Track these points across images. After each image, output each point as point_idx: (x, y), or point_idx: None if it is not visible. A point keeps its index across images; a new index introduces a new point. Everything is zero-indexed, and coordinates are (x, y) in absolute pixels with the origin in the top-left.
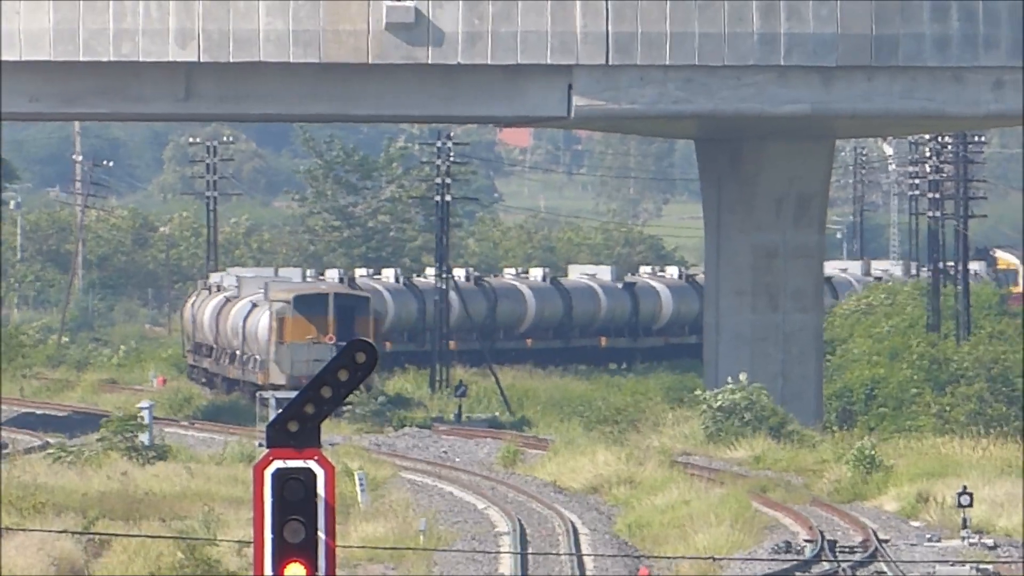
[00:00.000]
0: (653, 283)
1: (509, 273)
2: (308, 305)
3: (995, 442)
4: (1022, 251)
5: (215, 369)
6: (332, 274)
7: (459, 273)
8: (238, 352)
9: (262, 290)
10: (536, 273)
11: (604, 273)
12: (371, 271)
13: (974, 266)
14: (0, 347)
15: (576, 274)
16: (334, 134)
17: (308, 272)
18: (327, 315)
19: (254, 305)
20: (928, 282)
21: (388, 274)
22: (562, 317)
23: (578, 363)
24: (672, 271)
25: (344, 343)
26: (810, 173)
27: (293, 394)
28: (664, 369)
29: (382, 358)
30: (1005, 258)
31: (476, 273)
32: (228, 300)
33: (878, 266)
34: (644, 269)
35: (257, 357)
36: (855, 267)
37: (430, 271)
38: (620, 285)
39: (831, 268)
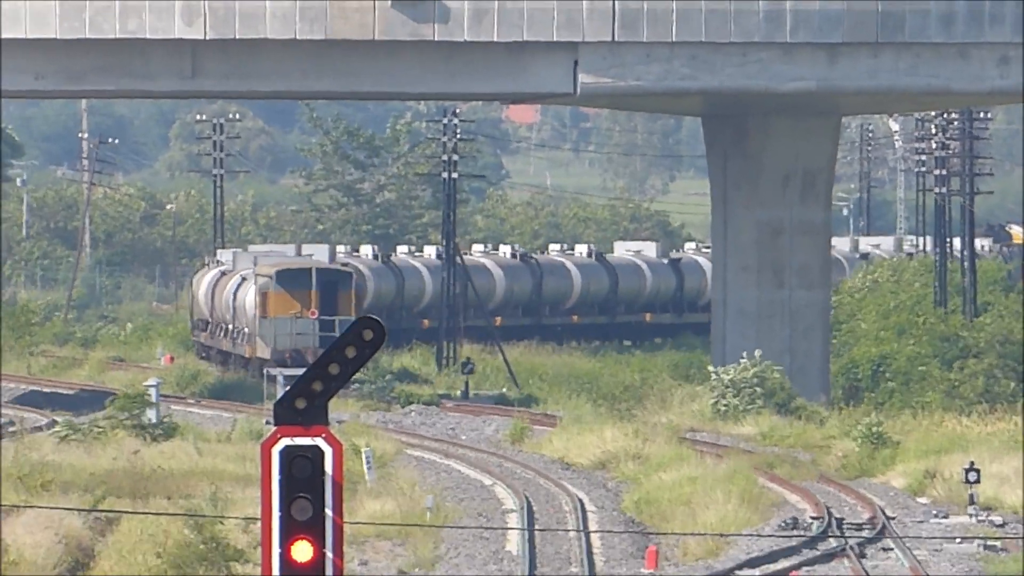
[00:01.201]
0: (698, 259)
1: (554, 249)
2: (291, 280)
3: (1003, 418)
4: None
5: (209, 342)
6: (366, 250)
7: (505, 250)
8: (229, 326)
9: (252, 265)
10: (581, 249)
11: (649, 249)
12: (413, 248)
13: (980, 242)
14: (0, 324)
15: (621, 251)
16: (340, 112)
17: (340, 248)
18: (310, 290)
19: (243, 279)
20: (934, 258)
21: (430, 251)
22: (607, 293)
23: (623, 339)
24: None
25: (327, 318)
26: (816, 149)
27: (299, 371)
28: (671, 346)
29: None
30: (1020, 233)
31: (521, 249)
32: (223, 275)
33: (868, 242)
34: (689, 245)
35: (245, 331)
36: (843, 243)
37: (477, 247)
38: (665, 261)
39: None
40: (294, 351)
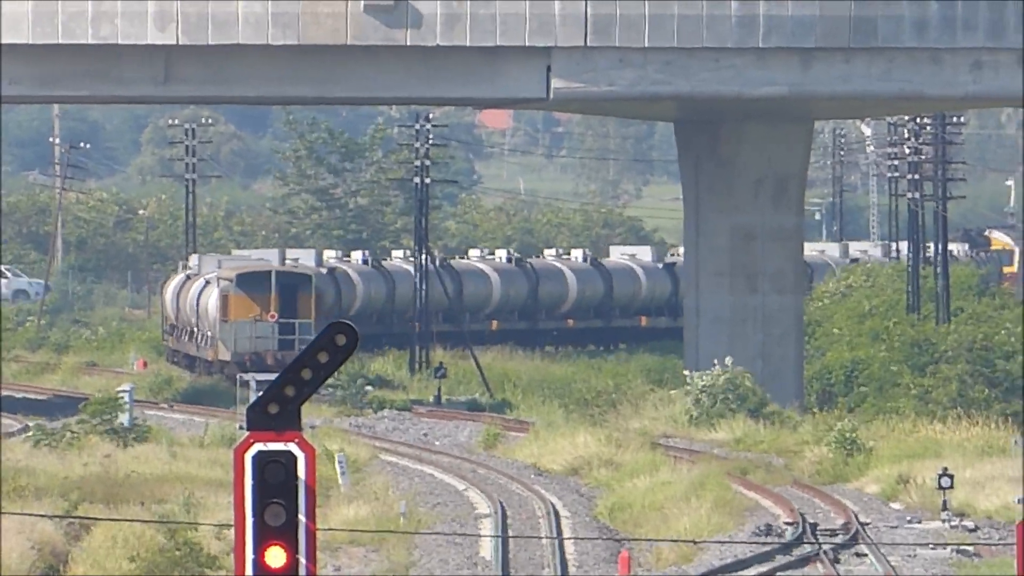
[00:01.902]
0: None
1: (550, 254)
2: (251, 283)
3: (976, 424)
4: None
5: (176, 346)
6: (356, 255)
7: (500, 254)
8: (194, 330)
9: (216, 269)
10: (577, 254)
11: (644, 254)
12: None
13: (955, 247)
14: None
15: (616, 255)
16: (316, 117)
17: (330, 253)
18: (270, 293)
19: (207, 283)
20: (908, 263)
21: (501, 254)
22: (603, 298)
23: (618, 342)
24: None
25: (287, 321)
26: (789, 155)
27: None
28: (645, 351)
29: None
30: (1000, 238)
31: (516, 254)
32: (188, 279)
33: (857, 247)
34: (682, 250)
35: (208, 334)
36: (833, 249)
37: (474, 252)
38: (660, 265)
39: (809, 250)
40: (254, 354)
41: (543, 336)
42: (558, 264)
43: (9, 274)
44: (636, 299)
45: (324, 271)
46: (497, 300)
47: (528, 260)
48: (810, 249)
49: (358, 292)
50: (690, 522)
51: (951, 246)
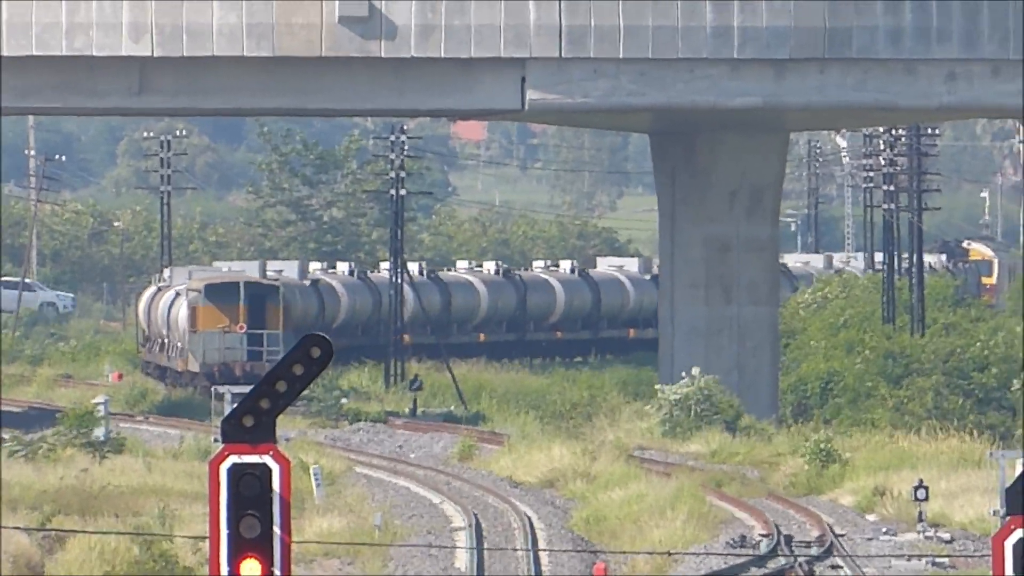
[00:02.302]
0: None
1: (538, 266)
2: (219, 294)
3: (951, 435)
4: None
5: (148, 358)
6: (343, 266)
7: (489, 266)
8: (165, 341)
9: (187, 281)
10: (565, 265)
11: (632, 265)
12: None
13: (931, 259)
14: None
15: (604, 266)
16: (291, 128)
17: (315, 265)
18: (238, 304)
19: (177, 295)
20: (883, 274)
21: (489, 266)
22: (591, 309)
23: (607, 353)
24: None
25: (255, 331)
26: (764, 166)
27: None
28: (620, 363)
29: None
30: (979, 249)
31: (504, 266)
32: (159, 291)
33: (840, 258)
34: None
35: (178, 345)
36: (817, 260)
37: (461, 264)
38: (648, 277)
39: (793, 261)
40: (223, 365)
41: (531, 348)
42: (546, 276)
43: (36, 287)
44: (624, 310)
45: (307, 283)
46: (485, 312)
47: (516, 271)
48: (795, 260)
49: (343, 304)
50: (665, 534)
51: (929, 257)
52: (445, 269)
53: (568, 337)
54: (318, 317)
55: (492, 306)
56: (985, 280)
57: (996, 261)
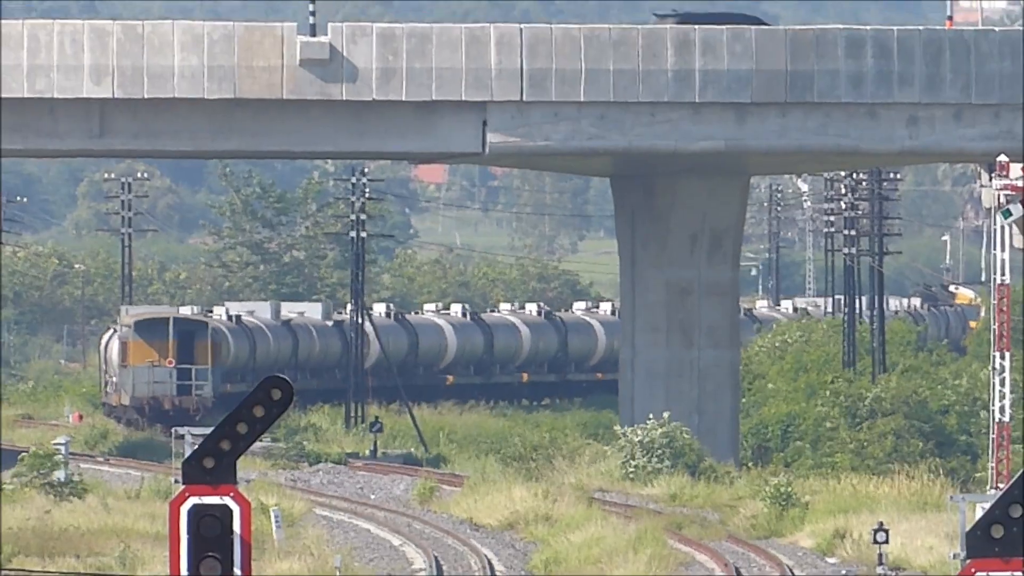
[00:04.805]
0: None
1: (505, 308)
2: (149, 330)
3: (911, 477)
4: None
5: (105, 398)
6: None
7: (456, 309)
8: (106, 376)
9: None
10: (531, 308)
11: (606, 308)
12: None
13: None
14: None
15: (580, 310)
16: (252, 170)
17: (287, 305)
18: (167, 339)
19: (114, 332)
20: (844, 318)
21: (456, 309)
22: (557, 352)
23: (574, 396)
24: None
25: (184, 366)
26: (724, 209)
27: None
28: (580, 406)
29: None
30: (965, 293)
31: (470, 309)
32: (111, 329)
33: (805, 301)
34: None
35: (113, 379)
36: (785, 304)
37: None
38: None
39: (760, 306)
40: (152, 399)
41: (498, 390)
42: (512, 318)
43: None
44: (592, 353)
45: (279, 323)
46: (453, 354)
47: (481, 315)
48: (761, 305)
49: (315, 345)
50: None
51: (906, 301)
52: (412, 312)
53: (535, 379)
54: (250, 357)
55: (460, 349)
56: (973, 324)
57: (984, 307)
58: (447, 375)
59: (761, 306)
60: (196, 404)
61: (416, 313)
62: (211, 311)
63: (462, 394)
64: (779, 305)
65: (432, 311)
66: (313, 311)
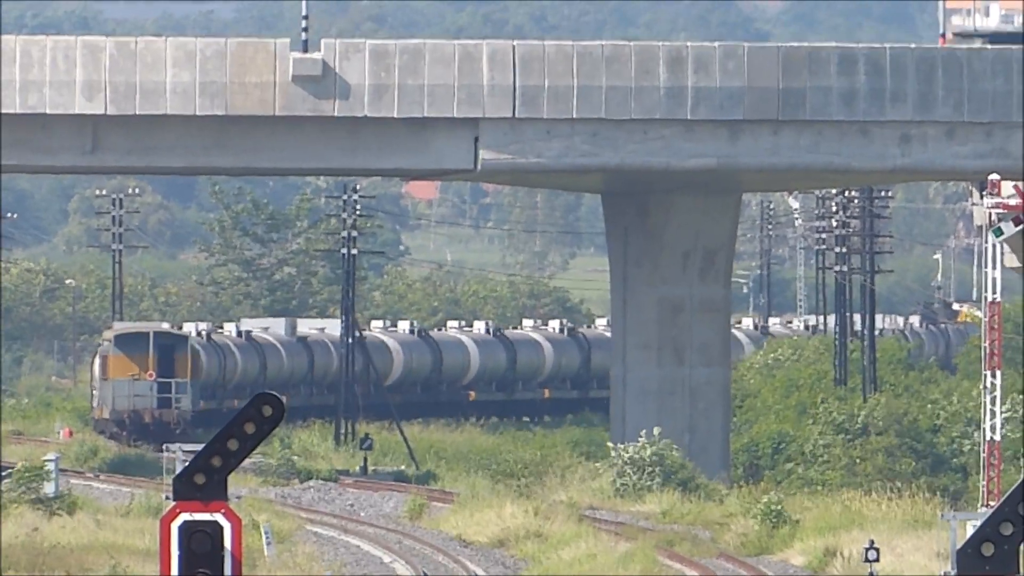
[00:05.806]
0: None
1: (528, 324)
2: (129, 344)
3: (903, 495)
4: None
5: (94, 413)
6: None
7: (403, 326)
8: (92, 391)
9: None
10: (554, 324)
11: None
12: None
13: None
14: None
15: (603, 325)
16: (243, 187)
17: (303, 321)
18: (147, 353)
19: (98, 346)
20: (835, 337)
21: (479, 326)
22: (579, 368)
23: (595, 412)
24: None
25: (164, 380)
26: (716, 227)
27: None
28: (571, 423)
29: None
30: (969, 311)
31: (495, 324)
32: (97, 345)
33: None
34: None
35: (96, 393)
36: (775, 322)
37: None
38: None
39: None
40: (132, 412)
41: (520, 407)
42: (534, 335)
43: None
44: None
45: (294, 339)
46: (476, 371)
47: (503, 330)
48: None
49: (332, 361)
50: None
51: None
52: (436, 328)
53: (556, 395)
54: (260, 373)
55: (483, 365)
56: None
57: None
58: (469, 391)
59: (774, 323)
60: (176, 417)
61: (440, 330)
62: (221, 327)
63: (484, 410)
64: (791, 323)
65: (455, 328)
66: (332, 328)
